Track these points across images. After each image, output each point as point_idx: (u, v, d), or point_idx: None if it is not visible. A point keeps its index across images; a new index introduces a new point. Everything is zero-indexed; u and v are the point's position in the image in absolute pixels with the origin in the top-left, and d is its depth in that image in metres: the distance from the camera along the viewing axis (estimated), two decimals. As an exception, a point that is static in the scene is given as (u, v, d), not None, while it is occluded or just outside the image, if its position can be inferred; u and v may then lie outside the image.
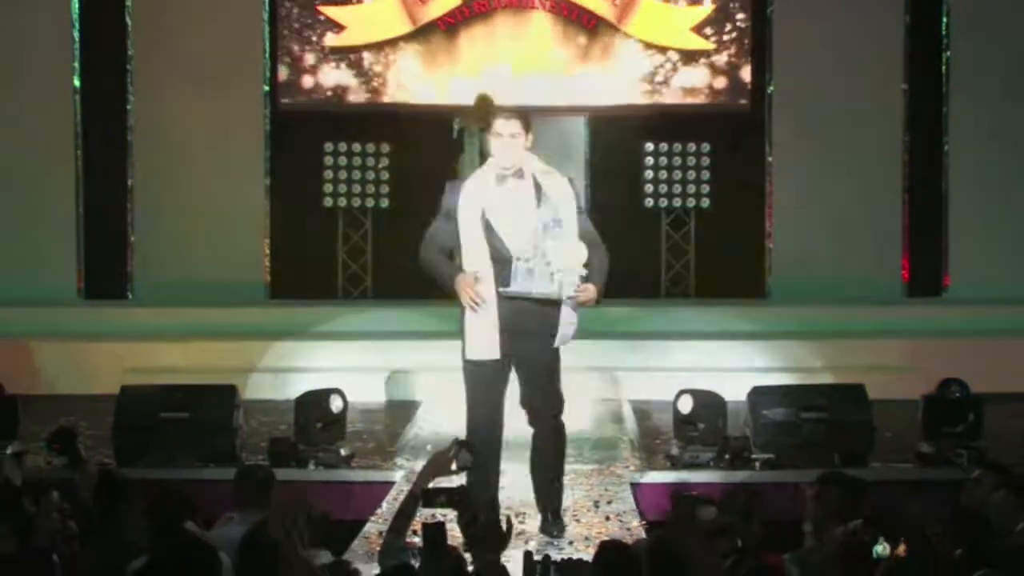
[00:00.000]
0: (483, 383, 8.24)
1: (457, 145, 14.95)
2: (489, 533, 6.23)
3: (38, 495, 7.15)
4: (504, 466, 8.53)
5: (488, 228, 8.14)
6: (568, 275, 8.04)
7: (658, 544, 6.15)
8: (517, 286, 8.06)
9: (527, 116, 8.32)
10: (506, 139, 8.21)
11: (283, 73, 15.81)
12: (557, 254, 8.02)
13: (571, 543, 8.31)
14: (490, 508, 7.54)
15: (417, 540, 7.32)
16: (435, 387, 12.82)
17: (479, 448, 7.74)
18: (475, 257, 8.14)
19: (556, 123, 15.89)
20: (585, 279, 8.11)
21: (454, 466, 6.80)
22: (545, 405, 8.39)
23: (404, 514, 6.52)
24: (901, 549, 5.75)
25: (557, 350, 8.30)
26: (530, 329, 8.14)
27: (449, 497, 6.51)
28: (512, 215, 8.16)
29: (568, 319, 8.18)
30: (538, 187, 8.21)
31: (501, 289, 8.06)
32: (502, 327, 8.11)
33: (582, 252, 8.08)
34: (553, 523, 8.43)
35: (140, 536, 6.72)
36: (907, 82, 15.64)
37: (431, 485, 6.46)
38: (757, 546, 6.70)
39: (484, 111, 14.32)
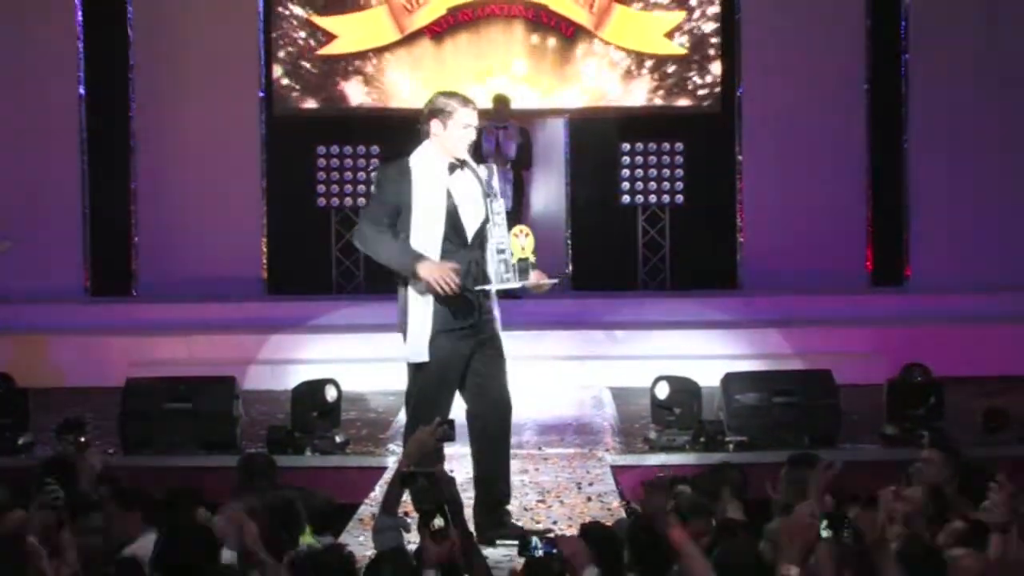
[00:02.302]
0: (425, 382, 7.57)
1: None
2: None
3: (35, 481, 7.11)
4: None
5: (452, 212, 7.51)
6: (525, 264, 7.50)
7: (638, 525, 6.12)
8: (499, 281, 7.50)
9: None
10: (472, 130, 7.62)
11: (277, 80, 15.76)
12: (514, 244, 7.46)
13: (555, 523, 8.28)
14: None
15: (410, 520, 7.30)
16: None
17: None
18: (427, 239, 7.47)
19: (537, 125, 15.89)
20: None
21: (435, 441, 6.76)
22: (500, 402, 7.76)
23: (393, 492, 6.49)
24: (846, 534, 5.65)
25: (502, 347, 7.76)
26: (487, 323, 7.65)
27: (426, 478, 6.49)
28: (470, 203, 7.56)
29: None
30: (478, 178, 7.59)
31: (491, 284, 7.48)
32: (464, 322, 7.54)
33: (531, 240, 7.52)
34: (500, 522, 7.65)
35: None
36: (869, 82, 15.64)
37: (411, 467, 6.43)
38: (738, 525, 6.67)
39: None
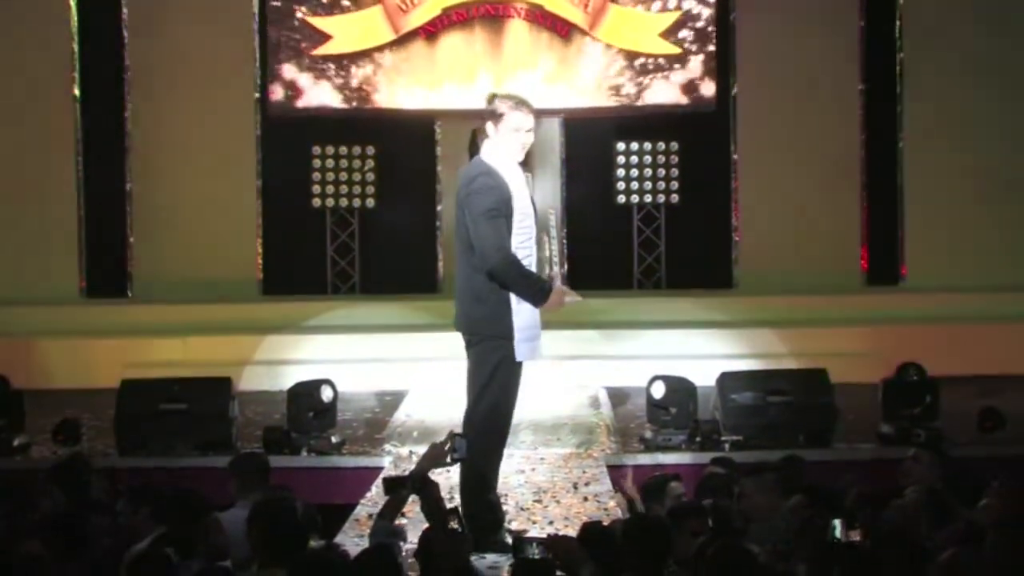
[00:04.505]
0: (516, 383, 7.66)
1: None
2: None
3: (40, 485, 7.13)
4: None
5: (533, 211, 7.57)
6: None
7: (634, 523, 6.14)
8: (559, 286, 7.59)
9: None
10: (525, 133, 7.57)
11: (273, 81, 15.75)
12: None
13: (551, 523, 8.29)
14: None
15: (405, 521, 7.33)
16: (420, 376, 12.80)
17: (499, 441, 7.59)
18: (523, 240, 7.49)
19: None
20: None
21: (449, 458, 6.79)
22: None
23: (393, 502, 6.51)
24: (855, 534, 5.66)
25: None
26: None
27: (412, 484, 6.51)
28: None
29: None
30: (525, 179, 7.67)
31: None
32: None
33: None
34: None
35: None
36: (864, 82, 15.64)
37: (395, 473, 6.46)
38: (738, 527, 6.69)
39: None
